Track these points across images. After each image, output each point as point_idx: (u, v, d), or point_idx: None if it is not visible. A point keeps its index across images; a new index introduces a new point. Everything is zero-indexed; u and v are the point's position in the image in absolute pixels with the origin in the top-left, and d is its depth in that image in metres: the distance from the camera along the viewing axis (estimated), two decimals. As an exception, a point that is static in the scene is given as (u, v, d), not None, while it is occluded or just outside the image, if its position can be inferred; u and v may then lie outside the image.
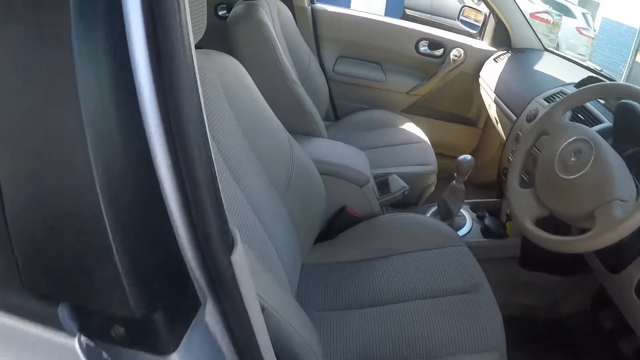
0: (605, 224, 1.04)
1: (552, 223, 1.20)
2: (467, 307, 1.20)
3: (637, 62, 10.17)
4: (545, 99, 1.72)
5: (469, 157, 1.64)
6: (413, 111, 2.52)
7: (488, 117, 2.45)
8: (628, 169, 1.14)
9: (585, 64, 2.25)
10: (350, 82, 2.40)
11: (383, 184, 1.69)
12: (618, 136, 1.38)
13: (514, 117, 1.85)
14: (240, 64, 1.17)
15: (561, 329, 1.95)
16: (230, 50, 1.58)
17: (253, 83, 1.20)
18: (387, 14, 5.45)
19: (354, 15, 2.39)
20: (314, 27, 2.35)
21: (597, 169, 1.11)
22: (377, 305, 1.20)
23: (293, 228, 1.20)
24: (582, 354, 1.84)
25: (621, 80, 10.43)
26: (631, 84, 1.23)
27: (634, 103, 1.24)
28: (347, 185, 1.48)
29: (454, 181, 1.67)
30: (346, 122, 2.25)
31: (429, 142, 2.08)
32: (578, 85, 1.70)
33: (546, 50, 2.40)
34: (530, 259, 1.84)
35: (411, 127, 2.17)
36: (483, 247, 1.75)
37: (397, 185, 1.65)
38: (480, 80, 2.34)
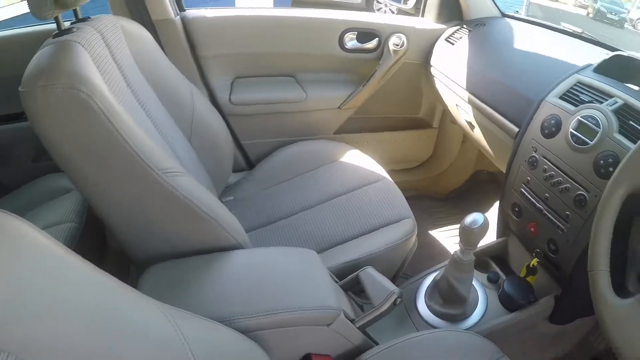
0: None
1: None
2: None
3: (532, 2, 10.33)
4: (562, 98, 1.22)
5: (480, 218, 1.11)
6: (348, 129, 1.94)
7: (444, 112, 2.01)
8: None
9: (562, 27, 1.75)
10: (257, 111, 1.70)
11: (353, 284, 1.12)
12: None
13: (515, 129, 1.35)
14: None
15: None
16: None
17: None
18: (275, 4, 4.82)
19: (245, 16, 1.65)
20: (191, 46, 1.62)
21: None
22: None
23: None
24: None
25: (522, 13, 10.61)
26: None
27: None
28: (306, 330, 0.92)
29: (458, 251, 1.18)
30: (265, 169, 1.58)
31: (388, 178, 1.52)
32: (600, 69, 1.24)
33: (505, 15, 1.89)
34: (566, 314, 1.45)
35: (358, 157, 1.59)
36: (512, 326, 1.29)
37: (380, 290, 1.04)
38: (434, 71, 1.81)
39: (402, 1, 1.93)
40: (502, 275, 1.38)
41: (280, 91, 1.71)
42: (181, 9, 1.59)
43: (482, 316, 1.27)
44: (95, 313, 0.54)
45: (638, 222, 0.87)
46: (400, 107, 2.04)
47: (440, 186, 2.25)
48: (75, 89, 0.79)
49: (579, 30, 1.70)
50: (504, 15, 1.87)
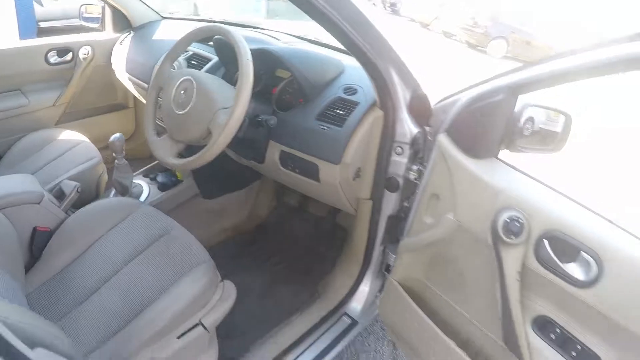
0: (217, 131, 1.29)
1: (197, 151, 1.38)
2: (165, 246, 1.40)
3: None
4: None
5: (118, 134, 1.78)
6: (68, 119, 2.62)
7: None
8: (228, 84, 1.43)
9: (199, 17, 2.52)
10: None
11: (60, 193, 1.75)
12: (226, 64, 1.71)
13: (146, 86, 2.10)
14: None
15: (266, 227, 2.35)
16: None
17: None
18: (22, 34, 5.02)
19: None
20: None
21: (201, 94, 1.38)
22: (102, 284, 1.32)
23: None
24: (293, 230, 2.30)
25: (263, 11, 11.80)
26: (210, 25, 1.50)
27: (222, 38, 1.51)
28: (26, 210, 1.43)
29: (116, 160, 1.80)
30: (10, 157, 2.18)
31: (87, 140, 2.23)
32: (203, 41, 1.91)
33: (164, 18, 2.66)
34: (208, 188, 2.16)
35: (69, 134, 2.27)
36: (166, 200, 2.00)
37: (69, 187, 1.73)
38: (113, 67, 2.53)
39: (98, 22, 2.64)
40: (159, 174, 2.08)
41: (11, 101, 2.31)
42: None
43: (145, 200, 1.96)
44: None
45: None
46: (101, 97, 2.74)
47: (144, 151, 2.85)
48: None
49: (222, 18, 2.58)
50: (163, 17, 2.63)
